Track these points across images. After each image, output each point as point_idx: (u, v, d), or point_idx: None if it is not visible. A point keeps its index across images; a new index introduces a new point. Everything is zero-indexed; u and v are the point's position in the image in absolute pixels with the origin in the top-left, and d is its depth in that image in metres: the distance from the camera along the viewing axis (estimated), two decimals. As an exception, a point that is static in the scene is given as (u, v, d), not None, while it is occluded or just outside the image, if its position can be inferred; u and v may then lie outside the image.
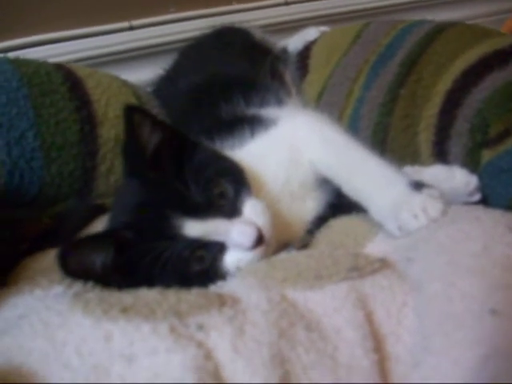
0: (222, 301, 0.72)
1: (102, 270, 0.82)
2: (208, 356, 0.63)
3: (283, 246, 0.96)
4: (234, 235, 0.85)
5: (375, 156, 0.97)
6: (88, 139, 1.19)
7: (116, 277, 0.83)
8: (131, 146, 0.89)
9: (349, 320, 0.70)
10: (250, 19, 1.97)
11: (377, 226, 0.93)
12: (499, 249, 0.74)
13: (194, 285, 0.82)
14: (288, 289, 0.76)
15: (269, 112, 1.11)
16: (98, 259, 0.83)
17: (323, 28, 1.72)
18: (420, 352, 0.68)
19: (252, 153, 1.01)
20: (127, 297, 0.73)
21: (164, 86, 1.52)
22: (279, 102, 1.20)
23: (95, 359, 0.63)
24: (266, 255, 0.88)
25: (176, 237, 0.84)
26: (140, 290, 0.76)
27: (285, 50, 1.71)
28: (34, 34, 1.63)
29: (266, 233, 0.87)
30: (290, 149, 1.03)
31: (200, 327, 0.66)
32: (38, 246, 1.06)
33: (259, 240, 0.85)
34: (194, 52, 1.61)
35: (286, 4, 2.11)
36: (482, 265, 0.73)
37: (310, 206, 1.03)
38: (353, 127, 1.31)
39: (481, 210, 0.87)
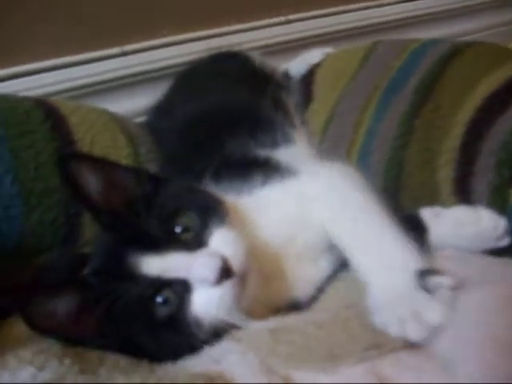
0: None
1: (66, 320, 0.78)
2: None
3: (291, 305, 0.90)
4: (195, 268, 0.77)
5: (393, 228, 0.86)
6: (71, 183, 1.11)
7: (86, 329, 0.79)
8: (76, 196, 0.86)
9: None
10: (250, 40, 1.90)
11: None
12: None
13: (170, 341, 0.77)
14: (293, 370, 0.66)
15: (282, 155, 1.05)
16: (61, 307, 0.78)
17: (327, 49, 1.64)
18: None
19: (260, 201, 0.94)
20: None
21: (157, 119, 1.43)
22: (288, 140, 1.15)
23: None
24: (246, 293, 0.79)
25: (134, 277, 0.78)
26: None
27: (286, 75, 1.63)
28: (17, 64, 1.53)
29: (236, 263, 0.78)
30: (300, 206, 0.94)
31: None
32: (17, 303, 0.97)
33: (226, 272, 0.76)
34: (189, 80, 1.53)
35: (288, 22, 2.05)
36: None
37: (322, 265, 0.95)
38: (363, 163, 1.22)
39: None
